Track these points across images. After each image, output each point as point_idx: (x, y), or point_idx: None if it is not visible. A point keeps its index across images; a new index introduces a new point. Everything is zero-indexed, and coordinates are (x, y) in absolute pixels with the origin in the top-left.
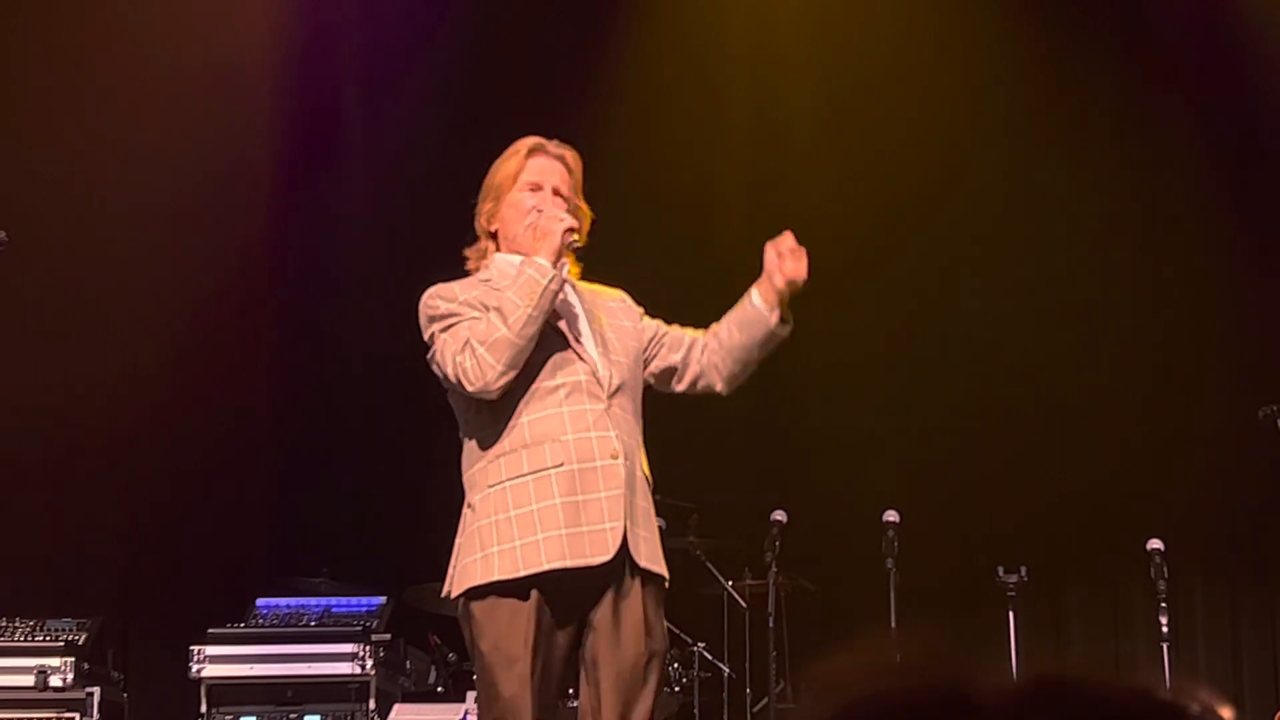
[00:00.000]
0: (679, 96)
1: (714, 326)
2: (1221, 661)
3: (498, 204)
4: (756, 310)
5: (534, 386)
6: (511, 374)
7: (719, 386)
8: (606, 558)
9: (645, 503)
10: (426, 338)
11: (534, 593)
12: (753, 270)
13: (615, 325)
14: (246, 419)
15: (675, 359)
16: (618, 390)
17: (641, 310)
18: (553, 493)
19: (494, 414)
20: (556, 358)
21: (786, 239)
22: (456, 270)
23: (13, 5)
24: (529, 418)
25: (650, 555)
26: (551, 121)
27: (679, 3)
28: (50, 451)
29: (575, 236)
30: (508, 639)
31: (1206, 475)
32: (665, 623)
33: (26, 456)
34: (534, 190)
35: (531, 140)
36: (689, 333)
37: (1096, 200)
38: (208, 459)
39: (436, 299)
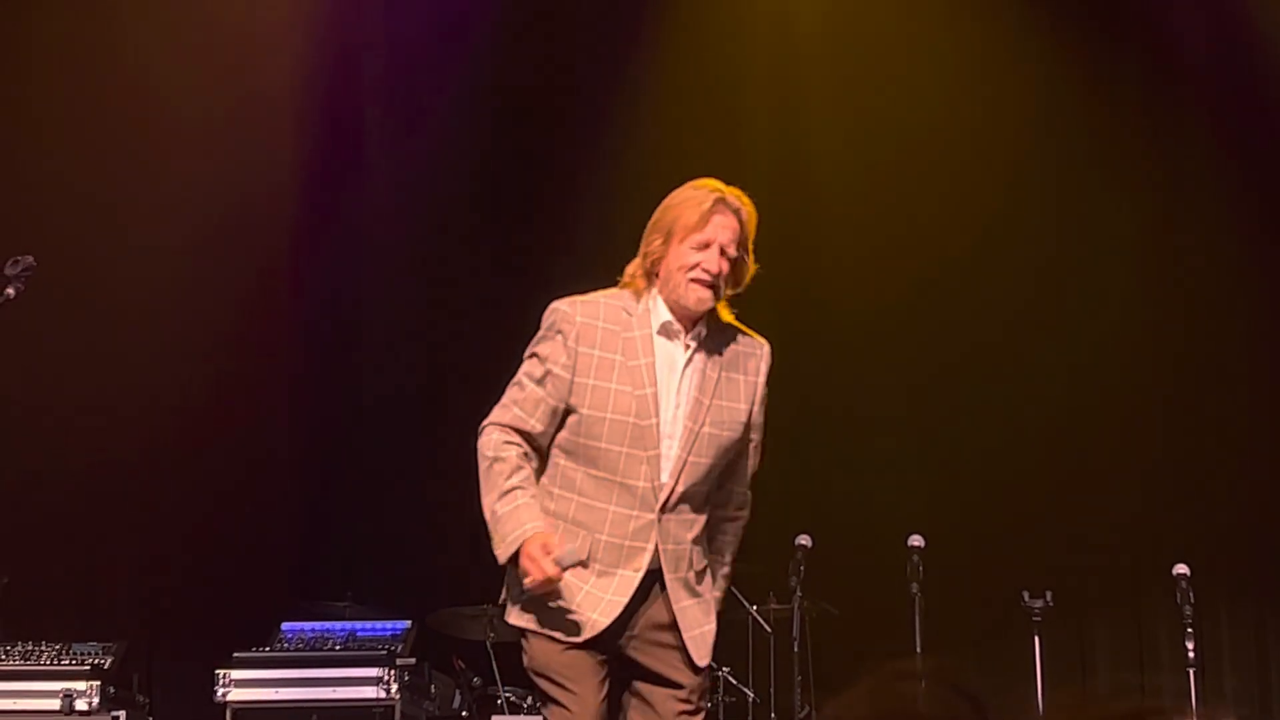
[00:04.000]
0: (701, 122)
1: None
2: (1248, 687)
3: (666, 247)
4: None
5: (599, 472)
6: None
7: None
8: (580, 639)
9: (694, 600)
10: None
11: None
12: (771, 301)
13: (723, 410)
14: (271, 444)
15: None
16: (681, 498)
17: (765, 393)
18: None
19: (567, 458)
20: (630, 453)
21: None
22: (476, 297)
23: (43, 36)
24: (582, 498)
25: (705, 654)
26: (570, 153)
27: (702, 25)
28: (75, 477)
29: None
30: (550, 668)
31: (1232, 501)
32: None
33: (52, 482)
34: (703, 248)
35: (715, 192)
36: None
37: (1120, 227)
38: (233, 484)
39: (550, 315)
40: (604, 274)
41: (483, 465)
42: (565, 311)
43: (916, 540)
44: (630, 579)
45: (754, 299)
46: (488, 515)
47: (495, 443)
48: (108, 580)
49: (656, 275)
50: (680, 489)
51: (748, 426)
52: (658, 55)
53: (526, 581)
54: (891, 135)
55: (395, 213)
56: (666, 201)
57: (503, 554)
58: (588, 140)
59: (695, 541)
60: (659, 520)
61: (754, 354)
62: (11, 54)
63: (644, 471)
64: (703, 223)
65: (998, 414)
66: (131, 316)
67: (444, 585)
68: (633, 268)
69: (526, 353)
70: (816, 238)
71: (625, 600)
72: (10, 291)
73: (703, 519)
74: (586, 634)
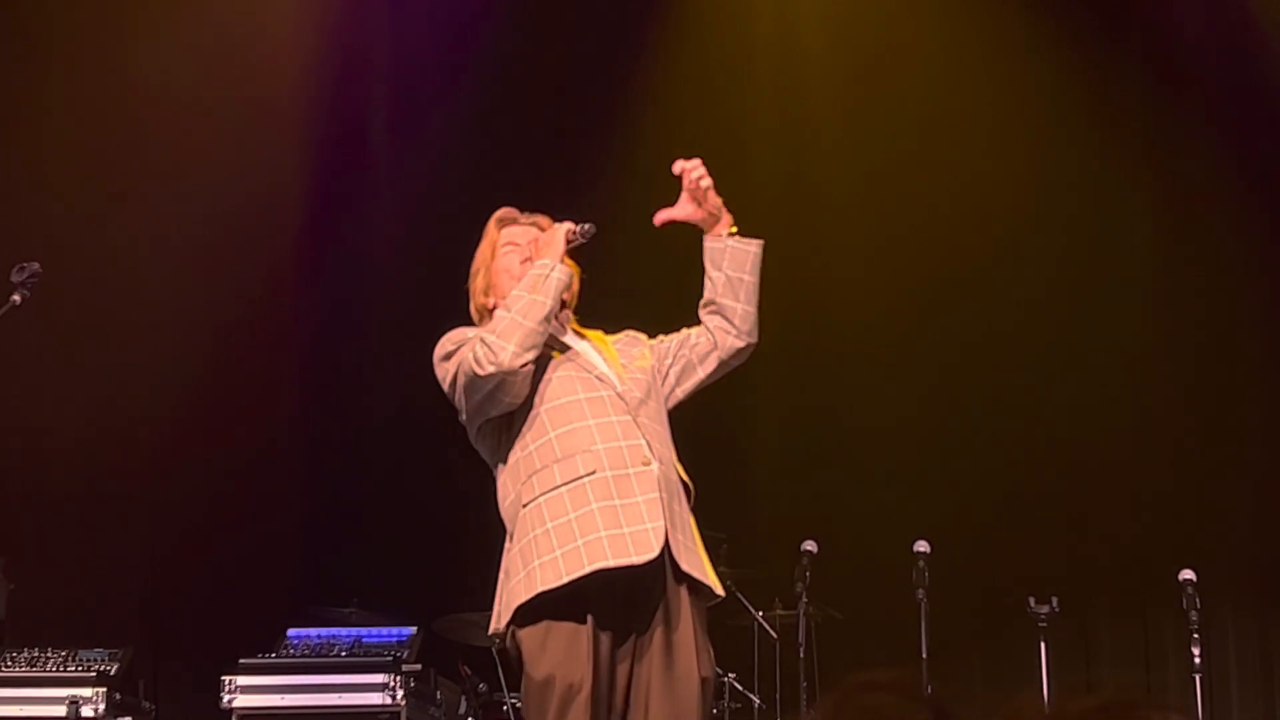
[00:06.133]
0: (706, 128)
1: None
2: (1254, 693)
3: (487, 275)
4: (716, 248)
5: (559, 404)
6: (526, 356)
7: (737, 338)
8: (651, 555)
9: (683, 509)
10: (447, 383)
11: (590, 618)
12: (776, 307)
13: (626, 353)
14: (276, 449)
15: (694, 350)
16: (641, 403)
17: (646, 335)
18: (588, 499)
19: (523, 436)
20: (577, 378)
21: (690, 172)
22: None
23: (46, 40)
24: (557, 433)
25: (691, 562)
26: (576, 159)
27: (707, 32)
28: (81, 482)
29: (578, 231)
30: (566, 665)
31: (1238, 505)
32: (711, 648)
33: (58, 488)
34: (513, 249)
35: (500, 212)
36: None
37: (1127, 232)
38: (238, 489)
39: (446, 342)
40: (608, 279)
41: (493, 336)
42: (449, 333)
43: (922, 546)
44: (648, 476)
45: (759, 304)
46: (515, 301)
47: (479, 338)
48: (114, 586)
49: (491, 314)
50: (637, 394)
51: (656, 351)
52: (662, 61)
53: (567, 231)
54: (896, 142)
55: (401, 218)
56: (474, 258)
57: (554, 257)
58: (593, 147)
59: (672, 452)
60: (635, 420)
61: (624, 334)
62: (17, 60)
63: (599, 384)
64: (500, 236)
65: (1004, 419)
66: (137, 322)
67: (450, 591)
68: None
69: (449, 364)
70: (822, 243)
71: (662, 522)
72: (16, 298)
73: (669, 436)
74: (640, 552)
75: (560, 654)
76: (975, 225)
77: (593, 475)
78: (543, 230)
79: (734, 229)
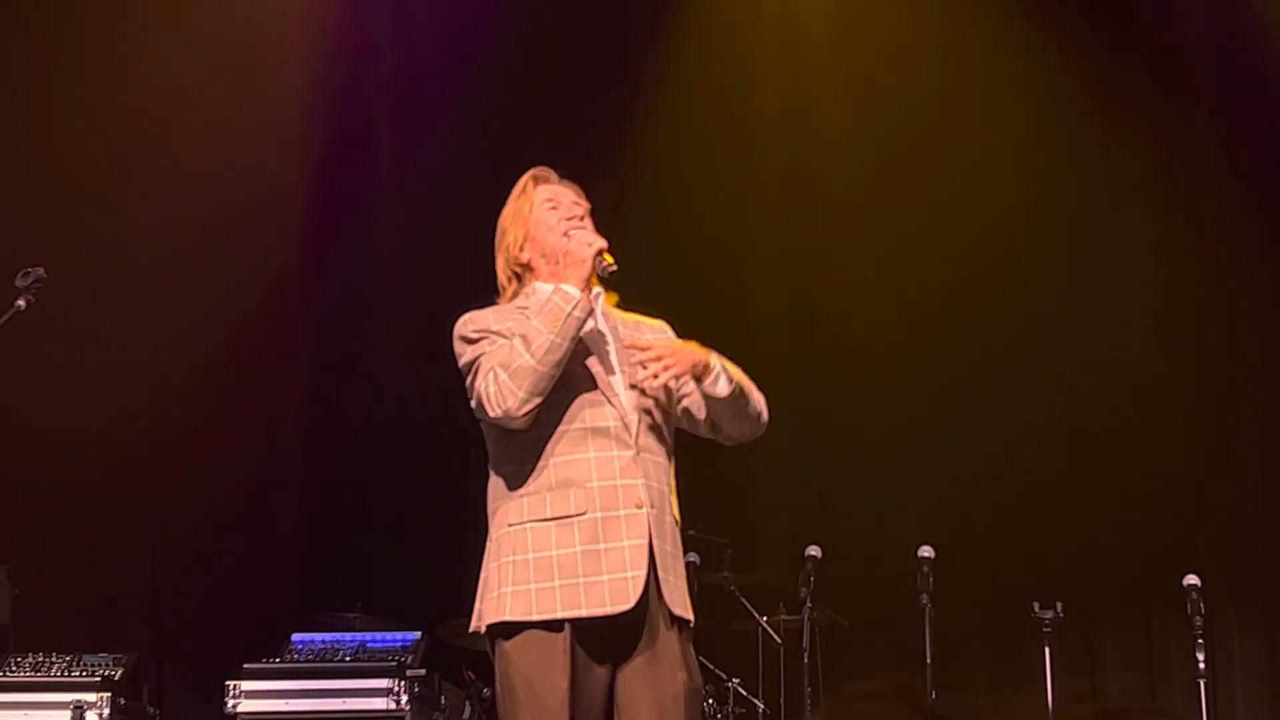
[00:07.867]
0: (711, 129)
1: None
2: (1259, 698)
3: (523, 232)
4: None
5: (562, 428)
6: (535, 401)
7: (756, 434)
8: (626, 607)
9: (674, 549)
10: (461, 365)
11: (567, 626)
12: (784, 315)
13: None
14: (281, 454)
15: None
16: (647, 435)
17: (674, 332)
18: (574, 540)
19: (521, 451)
20: (586, 399)
21: (646, 357)
22: (488, 304)
23: (52, 35)
24: (555, 460)
25: (681, 602)
26: (583, 153)
27: (712, 33)
28: (86, 487)
29: (608, 260)
30: (543, 672)
31: (1244, 511)
32: (697, 661)
33: (63, 493)
34: (554, 206)
35: (536, 170)
36: None
37: (1132, 236)
38: (242, 494)
39: (468, 324)
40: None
41: (506, 374)
42: (474, 313)
43: (926, 551)
44: (638, 520)
45: (763, 308)
46: (535, 337)
47: (492, 370)
48: (118, 591)
49: (529, 269)
50: (644, 422)
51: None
52: (667, 62)
53: (590, 243)
54: (899, 141)
55: (407, 218)
56: (500, 220)
57: (578, 282)
58: (597, 145)
59: (668, 489)
60: (637, 456)
61: (659, 325)
62: (24, 61)
63: (609, 412)
64: (533, 194)
65: (1008, 425)
66: (140, 327)
67: (454, 596)
68: (502, 286)
69: (466, 352)
70: (825, 243)
71: (644, 570)
72: (21, 303)
73: (670, 466)
74: (616, 603)
75: (538, 661)
76: (979, 226)
77: (582, 516)
78: (577, 201)
79: (710, 366)
